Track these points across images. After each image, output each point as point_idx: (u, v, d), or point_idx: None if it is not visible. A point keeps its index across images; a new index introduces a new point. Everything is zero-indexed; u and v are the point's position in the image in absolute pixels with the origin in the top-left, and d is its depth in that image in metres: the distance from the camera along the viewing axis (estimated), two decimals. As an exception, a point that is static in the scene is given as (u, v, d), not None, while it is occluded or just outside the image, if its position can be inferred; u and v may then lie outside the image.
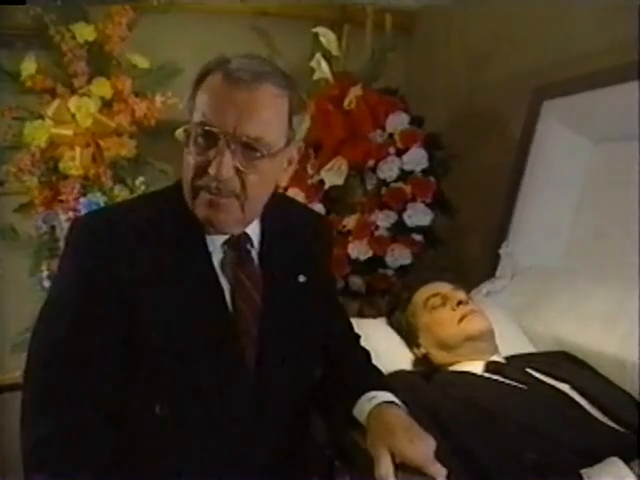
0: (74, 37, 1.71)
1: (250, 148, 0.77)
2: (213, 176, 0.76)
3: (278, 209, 0.91)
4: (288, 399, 0.87)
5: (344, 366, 0.96)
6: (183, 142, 0.80)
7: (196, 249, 0.83)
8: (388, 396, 0.86)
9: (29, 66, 1.69)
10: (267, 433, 0.83)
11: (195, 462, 0.79)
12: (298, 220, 0.98)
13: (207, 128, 0.76)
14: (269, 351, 0.84)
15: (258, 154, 0.78)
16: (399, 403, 0.86)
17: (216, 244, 0.85)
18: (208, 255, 0.84)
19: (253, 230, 0.88)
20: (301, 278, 0.91)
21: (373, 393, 0.86)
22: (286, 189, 1.94)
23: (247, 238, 0.87)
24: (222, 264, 0.85)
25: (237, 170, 0.77)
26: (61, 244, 1.74)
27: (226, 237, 0.85)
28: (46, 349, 0.79)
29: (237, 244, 0.86)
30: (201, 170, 0.78)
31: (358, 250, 1.79)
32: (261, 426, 0.83)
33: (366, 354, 1.02)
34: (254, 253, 0.88)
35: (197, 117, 0.78)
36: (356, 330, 1.07)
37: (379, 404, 0.83)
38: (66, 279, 0.82)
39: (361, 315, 1.84)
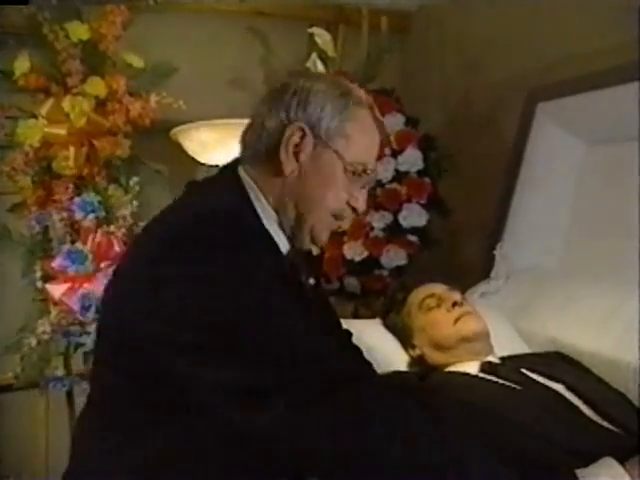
0: (68, 36, 1.70)
1: None
2: (356, 209, 0.83)
3: None
4: None
5: None
6: (335, 165, 0.80)
7: (283, 263, 0.82)
8: None
9: (22, 65, 1.67)
10: None
11: None
12: None
13: (366, 168, 0.81)
14: None
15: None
16: None
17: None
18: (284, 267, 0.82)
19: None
20: (311, 281, 0.93)
21: None
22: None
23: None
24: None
25: None
26: (54, 244, 1.73)
27: (287, 248, 0.84)
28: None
29: (296, 255, 0.86)
30: (344, 202, 0.82)
31: (353, 251, 1.79)
32: None
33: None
34: None
35: (360, 157, 0.81)
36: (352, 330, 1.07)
37: None
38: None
39: (356, 316, 1.84)
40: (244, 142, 0.85)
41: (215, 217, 0.73)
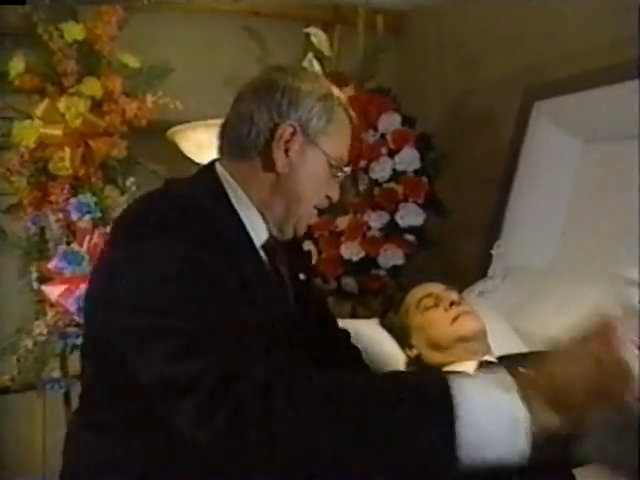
0: (63, 36, 1.69)
1: None
2: (332, 200, 0.90)
3: None
4: None
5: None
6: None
7: (254, 251, 0.84)
8: None
9: (17, 65, 1.67)
10: None
11: None
12: None
13: (344, 164, 0.88)
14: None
15: None
16: None
17: (258, 244, 0.86)
18: (259, 255, 0.85)
19: None
20: (301, 276, 0.96)
21: None
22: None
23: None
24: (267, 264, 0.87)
25: None
26: (51, 245, 1.72)
27: (265, 238, 0.86)
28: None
29: (271, 247, 0.88)
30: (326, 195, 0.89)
31: (351, 251, 1.79)
32: None
33: (359, 355, 1.03)
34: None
35: (340, 152, 0.87)
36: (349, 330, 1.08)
37: None
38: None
39: (354, 316, 1.84)
40: (226, 137, 0.87)
41: (168, 204, 0.76)
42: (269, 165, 0.83)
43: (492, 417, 0.54)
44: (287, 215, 0.86)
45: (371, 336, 1.22)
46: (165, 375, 0.64)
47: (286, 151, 0.82)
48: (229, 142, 0.86)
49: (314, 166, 0.85)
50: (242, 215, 0.82)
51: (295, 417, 0.58)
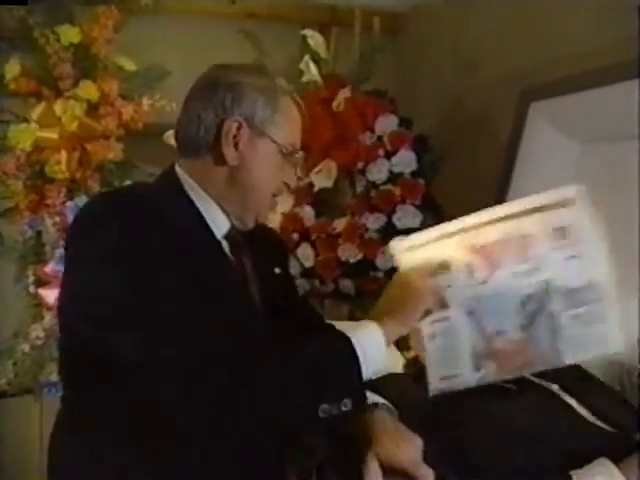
0: (59, 39, 1.69)
1: None
2: (289, 186, 0.93)
3: None
4: None
5: None
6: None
7: (209, 239, 0.89)
8: (370, 398, 0.85)
9: (13, 68, 1.67)
10: None
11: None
12: (259, 227, 1.08)
13: (297, 149, 0.92)
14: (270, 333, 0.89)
15: None
16: (384, 403, 0.85)
17: (219, 236, 0.90)
18: (220, 246, 0.90)
19: None
20: (277, 270, 1.01)
21: None
22: (275, 192, 1.93)
23: (238, 232, 0.95)
24: (230, 254, 0.92)
25: None
26: (47, 249, 1.72)
27: (227, 229, 0.91)
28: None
29: (235, 238, 0.93)
30: (281, 182, 0.92)
31: (348, 253, 1.79)
32: None
33: None
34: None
35: (291, 139, 0.91)
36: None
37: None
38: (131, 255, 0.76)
39: (351, 318, 1.83)
40: (179, 137, 0.92)
41: (115, 200, 0.83)
42: (221, 160, 0.87)
43: (371, 343, 0.77)
44: (245, 206, 0.89)
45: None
46: (130, 359, 0.70)
47: (235, 145, 0.86)
48: (182, 142, 0.91)
49: (264, 156, 0.88)
50: (202, 210, 0.87)
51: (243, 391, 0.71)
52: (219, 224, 0.90)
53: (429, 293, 0.84)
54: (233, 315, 0.81)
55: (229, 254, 0.91)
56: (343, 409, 0.73)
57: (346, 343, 0.75)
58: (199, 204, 0.88)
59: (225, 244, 0.91)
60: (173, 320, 0.72)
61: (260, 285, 0.94)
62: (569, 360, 0.83)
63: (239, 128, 0.86)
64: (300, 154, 0.93)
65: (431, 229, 0.93)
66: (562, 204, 0.91)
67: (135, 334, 0.70)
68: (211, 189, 0.88)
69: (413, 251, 0.91)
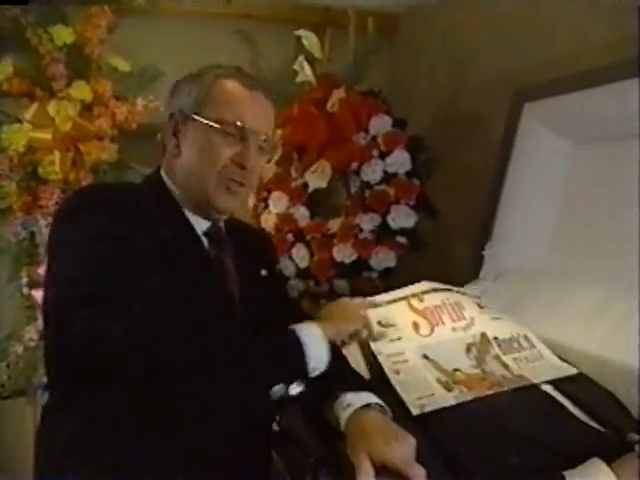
0: (52, 39, 1.68)
1: (261, 147, 0.94)
2: (243, 167, 0.91)
3: (233, 218, 1.07)
4: None
5: None
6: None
7: (187, 233, 0.93)
8: (364, 398, 0.85)
9: (6, 69, 1.66)
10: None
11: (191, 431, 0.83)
12: (246, 227, 1.14)
13: (239, 124, 0.90)
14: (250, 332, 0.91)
15: (266, 152, 0.96)
16: (377, 402, 0.85)
17: (199, 231, 0.94)
18: (201, 241, 0.94)
19: (221, 224, 1.00)
20: (263, 272, 1.04)
21: (348, 399, 0.85)
22: (270, 192, 1.93)
23: (221, 230, 0.98)
24: (209, 250, 0.95)
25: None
26: (41, 250, 1.71)
27: (205, 228, 0.95)
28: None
29: (216, 234, 0.96)
30: (228, 162, 0.91)
31: (343, 253, 1.79)
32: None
33: (338, 352, 1.01)
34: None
35: (229, 116, 0.90)
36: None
37: (355, 411, 0.83)
38: (95, 244, 0.79)
39: (346, 318, 1.83)
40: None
41: (90, 195, 0.89)
42: (170, 154, 0.94)
43: (313, 336, 0.87)
44: (198, 192, 0.92)
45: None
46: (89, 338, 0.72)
47: (175, 136, 0.93)
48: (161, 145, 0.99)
49: (195, 139, 0.91)
50: (183, 205, 0.93)
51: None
52: (200, 220, 0.95)
53: (362, 319, 1.04)
54: (202, 304, 0.84)
55: (208, 250, 0.94)
56: (291, 392, 0.83)
57: (293, 334, 0.85)
58: (180, 200, 0.94)
59: (205, 240, 0.94)
60: (141, 299, 0.75)
61: (241, 284, 0.96)
62: (536, 380, 1.00)
63: (175, 120, 0.92)
64: (251, 130, 0.91)
65: (384, 294, 1.18)
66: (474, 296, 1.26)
67: (104, 314, 0.73)
68: (175, 183, 0.94)
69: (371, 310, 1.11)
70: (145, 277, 0.77)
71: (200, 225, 0.94)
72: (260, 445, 0.95)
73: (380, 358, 1.02)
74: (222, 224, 1.01)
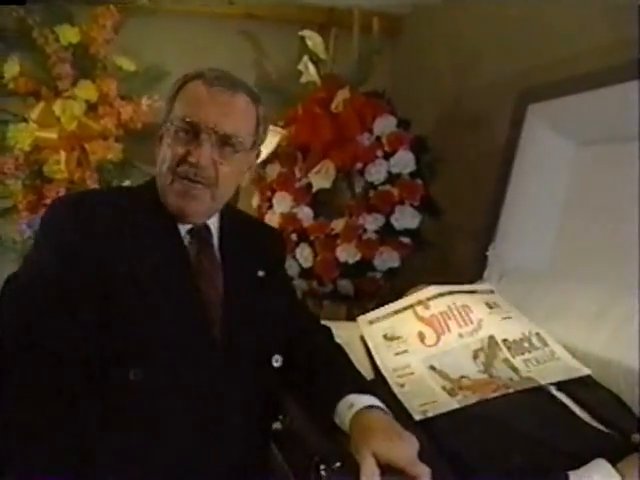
0: (58, 39, 1.69)
1: (225, 143, 0.90)
2: (194, 164, 0.87)
3: (236, 214, 1.07)
4: (253, 381, 0.93)
5: (316, 366, 0.97)
6: (160, 136, 0.93)
7: (169, 233, 0.92)
8: (366, 400, 0.85)
9: (12, 68, 1.67)
10: (233, 407, 0.89)
11: (163, 433, 0.83)
12: (254, 225, 1.13)
13: (189, 120, 0.88)
14: (233, 333, 0.91)
15: (231, 149, 0.90)
16: (379, 405, 0.85)
17: (182, 233, 0.94)
18: (180, 239, 0.93)
19: (213, 224, 0.98)
20: (260, 273, 1.00)
21: (351, 399, 0.85)
22: (274, 192, 1.94)
23: (207, 230, 0.96)
24: (188, 249, 0.94)
25: (213, 161, 0.89)
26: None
27: (189, 227, 0.94)
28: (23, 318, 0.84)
29: (199, 234, 0.95)
30: (181, 159, 0.88)
31: (347, 253, 1.79)
32: (229, 400, 0.89)
33: (342, 354, 1.02)
34: (215, 245, 0.97)
35: (179, 113, 0.89)
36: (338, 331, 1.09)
37: (359, 411, 0.83)
38: (47, 251, 0.86)
39: (350, 318, 1.84)
40: None
41: (75, 203, 0.91)
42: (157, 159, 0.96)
43: None
44: (160, 193, 0.93)
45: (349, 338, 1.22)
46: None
47: (160, 141, 0.94)
48: None
49: (161, 139, 0.93)
50: None
51: None
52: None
53: None
54: (159, 301, 0.85)
55: (187, 248, 0.93)
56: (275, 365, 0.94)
57: None
58: None
59: (187, 239, 0.94)
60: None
61: (229, 284, 0.94)
62: (544, 382, 0.99)
63: (161, 127, 0.94)
64: (202, 125, 0.87)
65: (391, 304, 1.16)
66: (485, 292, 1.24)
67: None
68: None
69: (374, 324, 1.12)
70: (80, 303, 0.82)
71: (185, 225, 0.94)
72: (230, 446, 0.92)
73: (386, 374, 1.02)
74: (216, 223, 0.98)
